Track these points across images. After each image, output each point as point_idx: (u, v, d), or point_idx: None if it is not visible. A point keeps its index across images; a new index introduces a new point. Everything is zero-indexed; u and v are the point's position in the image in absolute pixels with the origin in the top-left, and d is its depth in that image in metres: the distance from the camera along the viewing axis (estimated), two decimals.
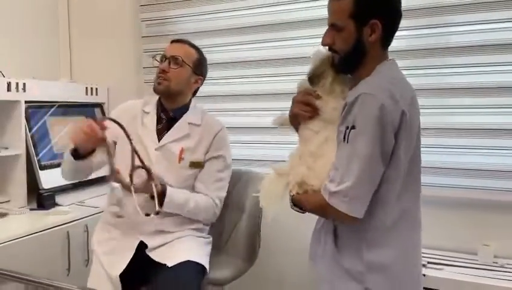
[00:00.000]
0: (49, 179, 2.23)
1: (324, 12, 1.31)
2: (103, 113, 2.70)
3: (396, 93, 1.19)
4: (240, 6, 2.37)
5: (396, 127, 1.18)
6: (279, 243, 2.27)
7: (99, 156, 1.62)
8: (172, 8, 2.54)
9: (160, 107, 1.82)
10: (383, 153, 1.18)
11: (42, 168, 2.22)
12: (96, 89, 2.66)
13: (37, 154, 2.22)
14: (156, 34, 2.58)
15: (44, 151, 2.27)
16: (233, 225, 2.00)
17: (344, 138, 1.19)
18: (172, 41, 1.84)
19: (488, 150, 1.94)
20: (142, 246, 1.69)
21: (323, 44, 1.29)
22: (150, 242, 1.69)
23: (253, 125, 2.38)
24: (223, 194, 1.83)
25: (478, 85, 1.94)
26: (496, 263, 1.87)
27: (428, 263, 1.86)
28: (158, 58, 1.80)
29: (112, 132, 1.60)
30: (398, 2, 1.27)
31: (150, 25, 2.61)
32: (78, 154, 1.58)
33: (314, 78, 1.33)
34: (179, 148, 1.76)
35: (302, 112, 1.33)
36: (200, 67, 1.82)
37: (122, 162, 1.57)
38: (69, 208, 2.16)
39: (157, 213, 1.54)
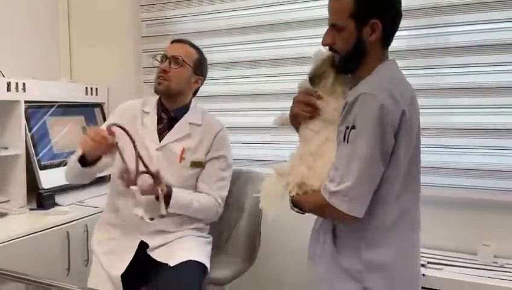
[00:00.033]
0: (49, 179, 2.23)
1: (324, 12, 1.31)
2: (103, 113, 2.70)
3: (396, 93, 1.19)
4: (239, 6, 2.37)
5: (396, 127, 1.19)
6: (279, 243, 2.27)
7: (103, 160, 1.62)
8: (172, 8, 2.54)
9: (161, 107, 1.82)
10: (383, 153, 1.18)
11: (42, 168, 2.22)
12: (96, 89, 2.66)
13: (36, 154, 2.22)
14: (156, 34, 2.58)
15: (44, 151, 2.27)
16: (234, 224, 2.00)
17: (344, 137, 1.19)
18: (173, 41, 1.84)
19: (489, 150, 1.94)
20: (142, 246, 1.69)
21: (324, 44, 1.29)
22: (151, 242, 1.69)
23: (253, 125, 2.38)
24: (225, 193, 1.83)
25: (478, 85, 1.95)
26: (496, 263, 1.87)
27: (428, 263, 1.86)
28: (158, 58, 1.80)
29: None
30: (398, 2, 1.27)
31: (150, 25, 2.61)
32: (85, 161, 1.59)
33: (315, 78, 1.33)
34: (180, 148, 1.76)
35: (303, 112, 1.33)
36: (200, 67, 1.82)
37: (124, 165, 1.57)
38: (68, 208, 2.16)
39: (161, 216, 1.55)
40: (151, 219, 1.54)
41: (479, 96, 1.94)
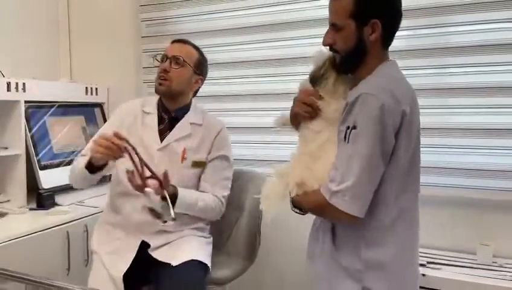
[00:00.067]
0: (49, 178, 2.22)
1: (324, 13, 1.31)
2: (103, 113, 2.70)
3: (397, 93, 1.19)
4: (240, 6, 2.37)
5: (397, 127, 1.19)
6: (279, 242, 2.27)
7: (110, 163, 1.62)
8: (172, 8, 2.54)
9: (161, 108, 1.82)
10: (383, 153, 1.18)
11: (42, 168, 2.22)
12: (96, 89, 2.66)
13: (36, 154, 2.22)
14: (156, 34, 2.58)
15: (44, 151, 2.27)
16: (234, 224, 2.00)
17: (345, 137, 1.20)
18: (173, 42, 1.84)
19: (489, 150, 1.94)
20: (143, 246, 1.69)
21: (324, 44, 1.30)
22: (153, 242, 1.69)
23: (253, 125, 2.38)
24: (228, 192, 1.84)
25: (478, 85, 1.95)
26: (495, 262, 1.87)
27: (428, 262, 1.86)
28: (159, 58, 1.80)
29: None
30: (399, 2, 1.28)
31: (149, 25, 2.61)
32: (92, 167, 1.59)
33: (316, 78, 1.33)
34: (181, 148, 1.76)
35: (303, 112, 1.33)
36: (200, 68, 1.82)
37: (124, 165, 1.57)
38: (68, 207, 2.16)
39: (173, 219, 1.55)
40: (164, 222, 1.56)
41: (479, 96, 1.94)
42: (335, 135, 1.25)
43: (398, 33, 1.30)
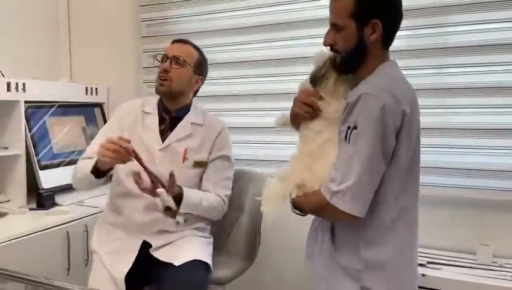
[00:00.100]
0: (49, 179, 2.22)
1: (324, 13, 1.31)
2: (103, 113, 2.70)
3: (397, 94, 1.19)
4: (240, 6, 2.37)
5: (397, 127, 1.19)
6: (279, 242, 2.27)
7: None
8: (172, 8, 2.54)
9: (162, 108, 1.82)
10: (384, 153, 1.19)
11: (42, 168, 2.22)
12: (96, 89, 2.66)
13: (36, 154, 2.22)
14: (156, 34, 2.58)
15: (44, 151, 2.27)
16: (234, 223, 2.00)
17: (345, 137, 1.20)
18: (174, 42, 1.84)
19: (489, 150, 1.94)
20: (144, 246, 1.69)
21: (325, 44, 1.30)
22: (154, 242, 1.69)
23: (253, 125, 2.38)
24: (229, 192, 1.84)
25: (477, 85, 1.95)
26: (495, 262, 1.87)
27: (428, 262, 1.86)
28: (159, 58, 1.80)
29: (114, 132, 1.63)
30: (399, 2, 1.28)
31: (149, 25, 2.61)
32: (98, 171, 1.59)
33: (316, 79, 1.33)
34: (182, 148, 1.76)
35: (303, 112, 1.33)
36: (200, 68, 1.83)
37: (124, 166, 1.57)
38: (68, 207, 2.16)
39: (185, 221, 1.58)
40: (177, 222, 1.58)
41: (479, 96, 1.95)
42: (335, 135, 1.25)
43: (397, 33, 1.30)
